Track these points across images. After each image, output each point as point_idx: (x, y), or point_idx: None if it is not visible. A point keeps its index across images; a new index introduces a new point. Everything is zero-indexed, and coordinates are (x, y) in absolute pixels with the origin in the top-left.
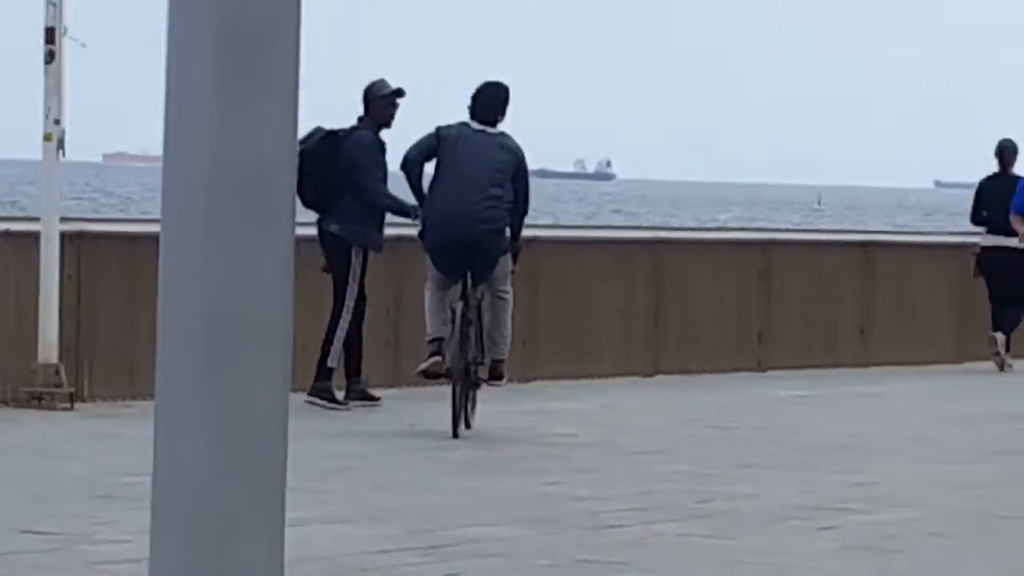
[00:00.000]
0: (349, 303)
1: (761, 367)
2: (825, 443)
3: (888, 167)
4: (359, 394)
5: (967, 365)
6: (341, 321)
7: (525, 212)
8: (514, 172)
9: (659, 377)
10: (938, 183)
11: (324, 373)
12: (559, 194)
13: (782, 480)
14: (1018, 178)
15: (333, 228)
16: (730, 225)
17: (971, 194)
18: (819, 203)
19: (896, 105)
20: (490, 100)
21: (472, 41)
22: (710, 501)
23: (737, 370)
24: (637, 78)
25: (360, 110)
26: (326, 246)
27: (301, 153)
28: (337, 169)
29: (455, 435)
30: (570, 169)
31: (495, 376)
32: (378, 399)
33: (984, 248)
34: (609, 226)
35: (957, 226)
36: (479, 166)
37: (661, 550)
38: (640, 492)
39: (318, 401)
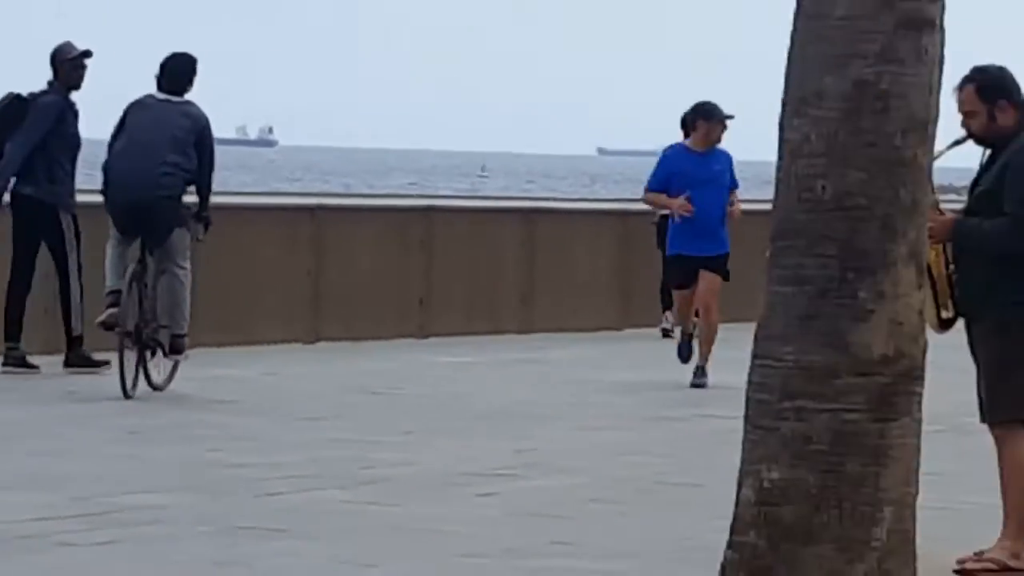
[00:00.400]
0: (73, 268)
1: (423, 333)
2: (488, 410)
3: (551, 134)
4: (17, 361)
5: (628, 332)
6: (71, 288)
7: (209, 180)
8: (197, 140)
9: (321, 343)
10: (601, 150)
11: (76, 341)
12: (222, 161)
13: (445, 447)
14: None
15: (28, 191)
16: (393, 191)
17: (635, 161)
18: (483, 170)
19: (559, 74)
20: (174, 70)
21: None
22: (373, 468)
23: (399, 336)
24: (295, 42)
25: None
26: (22, 210)
27: None
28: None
29: (126, 395)
30: (232, 136)
31: (174, 350)
32: (36, 367)
33: (663, 216)
34: (270, 192)
35: (622, 193)
36: (157, 134)
37: (323, 517)
38: (303, 459)
39: (79, 369)
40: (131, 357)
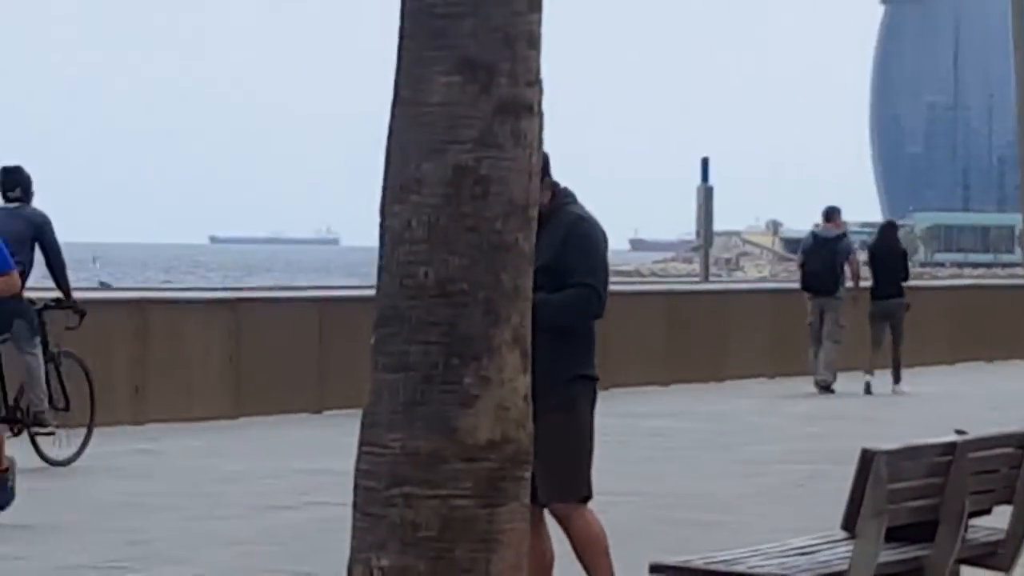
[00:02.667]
0: None
1: None
2: (102, 501)
3: (165, 223)
4: None
5: (242, 420)
6: None
7: (61, 268)
8: (35, 238)
9: None
10: (213, 239)
11: None
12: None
13: (55, 540)
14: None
15: None
16: None
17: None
18: (95, 262)
19: (170, 161)
20: (8, 182)
21: None
22: None
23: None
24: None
25: None
26: None
27: None
28: None
29: None
30: (311, 236)
31: (36, 423)
32: None
33: None
34: None
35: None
36: None
37: None
38: None
39: None
40: None
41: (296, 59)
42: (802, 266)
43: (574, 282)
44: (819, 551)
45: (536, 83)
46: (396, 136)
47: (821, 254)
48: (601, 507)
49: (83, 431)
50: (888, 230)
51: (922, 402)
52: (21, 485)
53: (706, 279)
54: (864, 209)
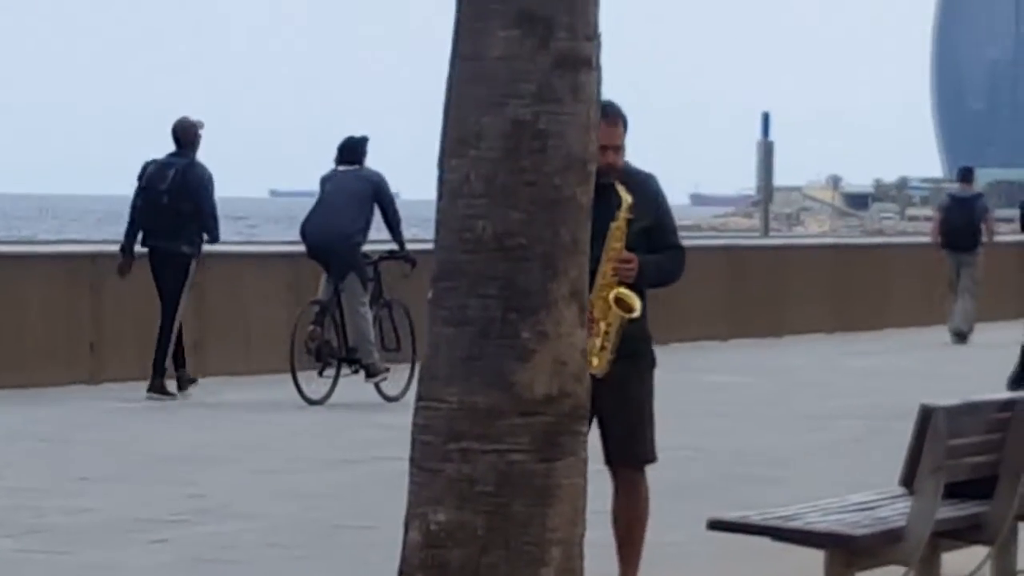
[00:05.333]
0: (182, 310)
1: (95, 379)
2: (164, 454)
3: (225, 176)
4: (188, 382)
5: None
6: (175, 325)
7: (396, 223)
8: (373, 195)
9: None
10: (273, 192)
11: (162, 371)
12: None
13: (118, 493)
14: None
15: (185, 249)
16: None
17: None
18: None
19: (230, 114)
20: (347, 148)
21: None
22: (45, 516)
23: (70, 383)
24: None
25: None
26: (168, 263)
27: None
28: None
29: (308, 400)
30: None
31: (368, 374)
32: (173, 394)
33: None
34: None
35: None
36: (340, 198)
37: None
38: None
39: (156, 396)
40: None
41: (355, 15)
42: (941, 225)
43: (669, 243)
44: (878, 507)
45: (594, 37)
46: (455, 90)
47: (961, 213)
48: (660, 463)
49: (408, 368)
50: None
51: (987, 358)
52: (79, 440)
53: (766, 234)
54: (925, 165)
